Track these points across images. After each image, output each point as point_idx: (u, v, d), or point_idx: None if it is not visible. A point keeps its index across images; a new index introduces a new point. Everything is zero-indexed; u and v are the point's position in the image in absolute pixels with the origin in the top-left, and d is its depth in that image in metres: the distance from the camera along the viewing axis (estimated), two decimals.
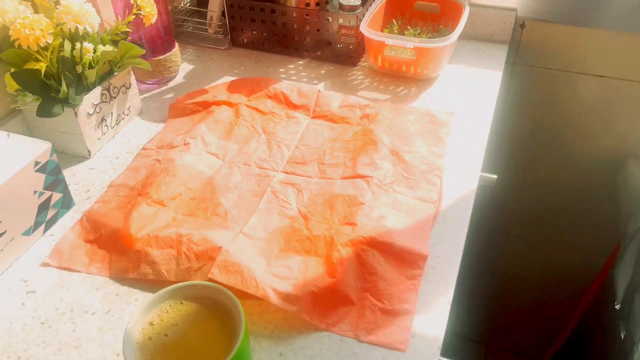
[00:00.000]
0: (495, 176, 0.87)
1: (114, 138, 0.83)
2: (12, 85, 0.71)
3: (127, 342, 0.44)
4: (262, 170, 0.74)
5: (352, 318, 0.56)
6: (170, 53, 0.93)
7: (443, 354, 0.55)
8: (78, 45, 0.72)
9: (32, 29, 0.65)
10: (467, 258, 0.77)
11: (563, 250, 1.27)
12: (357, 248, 0.61)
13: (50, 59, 0.69)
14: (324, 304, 0.57)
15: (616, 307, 0.84)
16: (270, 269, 0.59)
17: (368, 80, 0.95)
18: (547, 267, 1.32)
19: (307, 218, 0.67)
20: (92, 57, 0.73)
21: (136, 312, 0.46)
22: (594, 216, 1.18)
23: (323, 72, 0.98)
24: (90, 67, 0.74)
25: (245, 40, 1.04)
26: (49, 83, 0.70)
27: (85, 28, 0.69)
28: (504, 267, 1.39)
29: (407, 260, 0.61)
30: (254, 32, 1.02)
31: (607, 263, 1.08)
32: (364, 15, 0.94)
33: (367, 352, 0.54)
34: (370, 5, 0.97)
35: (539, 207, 1.23)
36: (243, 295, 0.56)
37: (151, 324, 0.47)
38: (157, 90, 0.94)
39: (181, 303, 0.48)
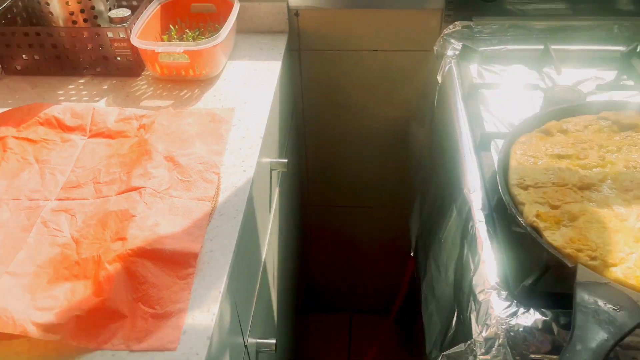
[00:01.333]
0: (285, 160, 0.92)
1: None
2: None
3: None
4: (33, 201, 0.72)
5: (125, 331, 0.57)
6: None
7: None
8: None
9: None
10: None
11: (374, 213, 1.39)
12: (126, 262, 0.61)
13: None
14: (92, 325, 0.57)
15: (411, 254, 0.94)
16: (34, 303, 0.58)
17: (152, 88, 0.95)
18: (374, 230, 1.43)
19: (78, 242, 0.66)
20: None
21: None
22: (394, 176, 1.30)
23: (105, 87, 0.96)
24: None
25: (18, 67, 0.99)
26: None
27: None
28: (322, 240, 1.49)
29: (178, 262, 0.63)
30: (25, 57, 0.97)
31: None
32: (134, 24, 0.93)
33: None
34: (142, 14, 0.96)
35: (345, 179, 1.33)
36: (5, 336, 0.54)
37: None
38: None
39: None
